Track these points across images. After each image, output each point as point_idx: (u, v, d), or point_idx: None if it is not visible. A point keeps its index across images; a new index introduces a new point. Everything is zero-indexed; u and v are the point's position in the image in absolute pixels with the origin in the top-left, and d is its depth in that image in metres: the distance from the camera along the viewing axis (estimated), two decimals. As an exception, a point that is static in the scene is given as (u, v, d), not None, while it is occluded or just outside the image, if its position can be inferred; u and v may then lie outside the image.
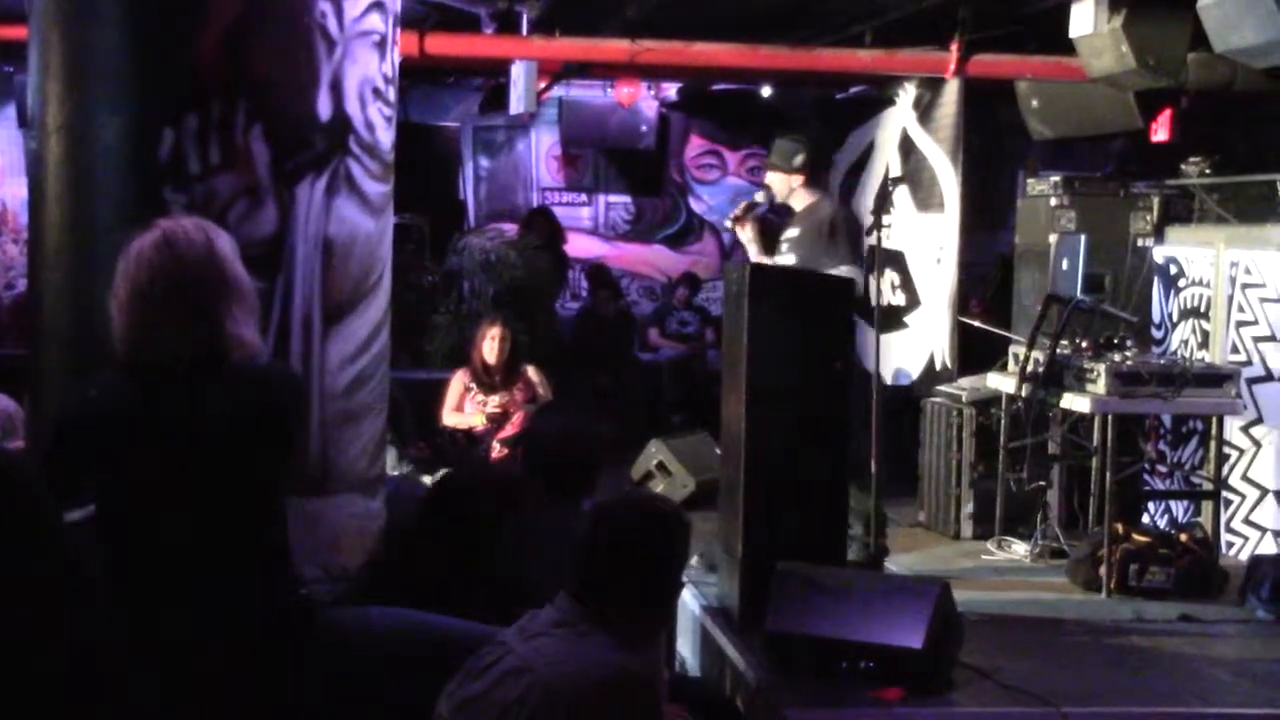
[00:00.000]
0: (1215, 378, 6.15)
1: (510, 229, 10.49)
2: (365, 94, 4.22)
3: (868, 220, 7.95)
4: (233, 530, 2.90)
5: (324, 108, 4.11)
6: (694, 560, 5.36)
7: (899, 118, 8.74)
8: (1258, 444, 6.73)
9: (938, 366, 8.11)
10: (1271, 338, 6.70)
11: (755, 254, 6.28)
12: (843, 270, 5.79)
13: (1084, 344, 6.36)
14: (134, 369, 2.87)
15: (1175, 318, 7.38)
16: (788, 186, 6.11)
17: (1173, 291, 7.41)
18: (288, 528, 3.04)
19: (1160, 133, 7.57)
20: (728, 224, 6.46)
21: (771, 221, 6.38)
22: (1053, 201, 7.37)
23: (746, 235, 6.28)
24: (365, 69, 4.22)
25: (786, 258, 6.10)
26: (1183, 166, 7.44)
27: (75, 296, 4.05)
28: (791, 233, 6.14)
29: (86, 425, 2.91)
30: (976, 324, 7.85)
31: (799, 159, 6.07)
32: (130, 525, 2.90)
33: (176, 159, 3.95)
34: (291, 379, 3.20)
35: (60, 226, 4.12)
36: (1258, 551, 6.46)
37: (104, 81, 4.05)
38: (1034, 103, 8.33)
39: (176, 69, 3.99)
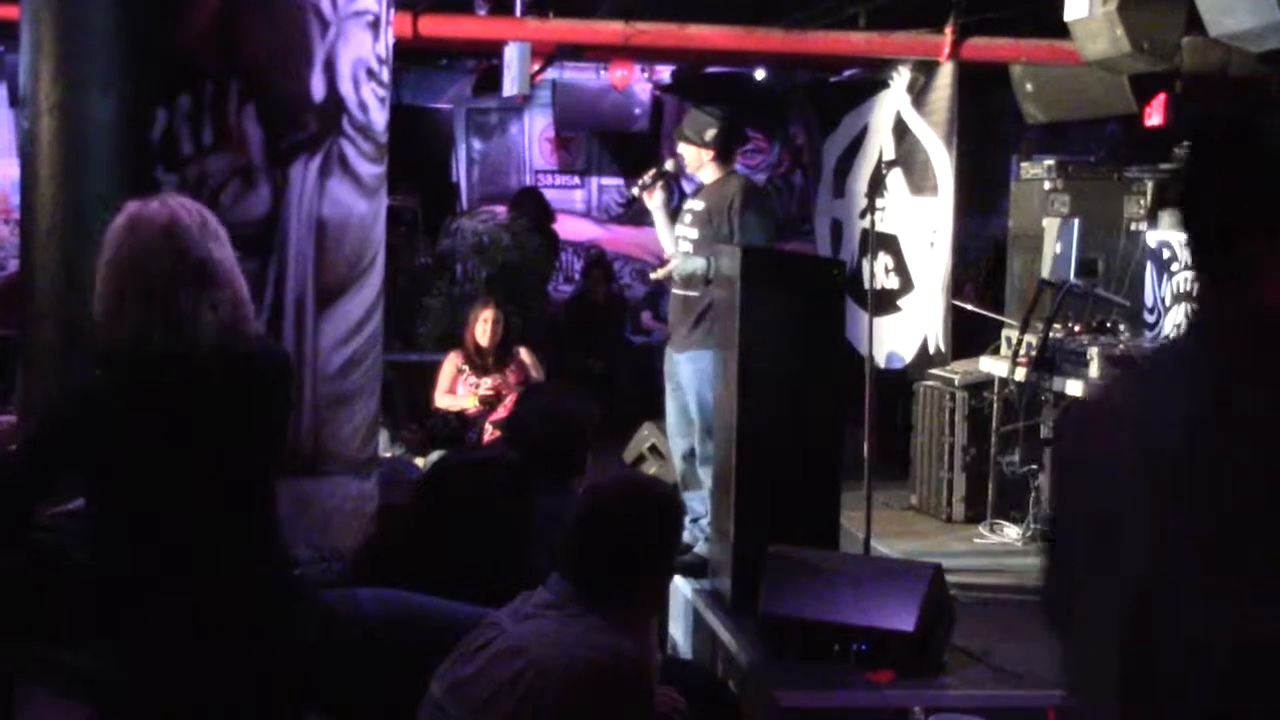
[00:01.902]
0: (1207, 362, 6.16)
1: (503, 211, 10.49)
2: (359, 75, 4.20)
3: (862, 203, 7.98)
4: (218, 511, 2.88)
5: (317, 88, 4.10)
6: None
7: (893, 101, 8.73)
8: (1249, 429, 6.74)
9: (931, 350, 8.12)
10: (1263, 323, 6.71)
11: (661, 221, 6.23)
12: None
13: (1077, 328, 6.38)
14: (110, 355, 2.86)
15: (1168, 302, 7.38)
16: (699, 160, 6.03)
17: (1166, 276, 7.41)
18: (278, 508, 3.03)
19: (1154, 117, 7.56)
20: (634, 192, 6.30)
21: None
22: (1046, 185, 7.37)
23: (654, 203, 6.21)
24: (359, 49, 4.20)
25: (689, 230, 6.06)
26: (1176, 151, 7.43)
27: (67, 276, 4.03)
28: (695, 205, 6.09)
29: (66, 423, 2.90)
30: (970, 308, 7.86)
31: (710, 134, 5.95)
32: (114, 512, 2.89)
33: (169, 139, 3.94)
34: (275, 355, 3.18)
35: (52, 206, 4.11)
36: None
37: (96, 61, 4.03)
38: (1028, 86, 8.33)
39: (169, 49, 3.98)
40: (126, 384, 2.83)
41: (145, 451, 2.82)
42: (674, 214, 6.22)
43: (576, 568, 2.95)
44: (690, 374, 5.92)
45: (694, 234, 5.99)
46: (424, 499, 3.83)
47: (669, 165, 6.17)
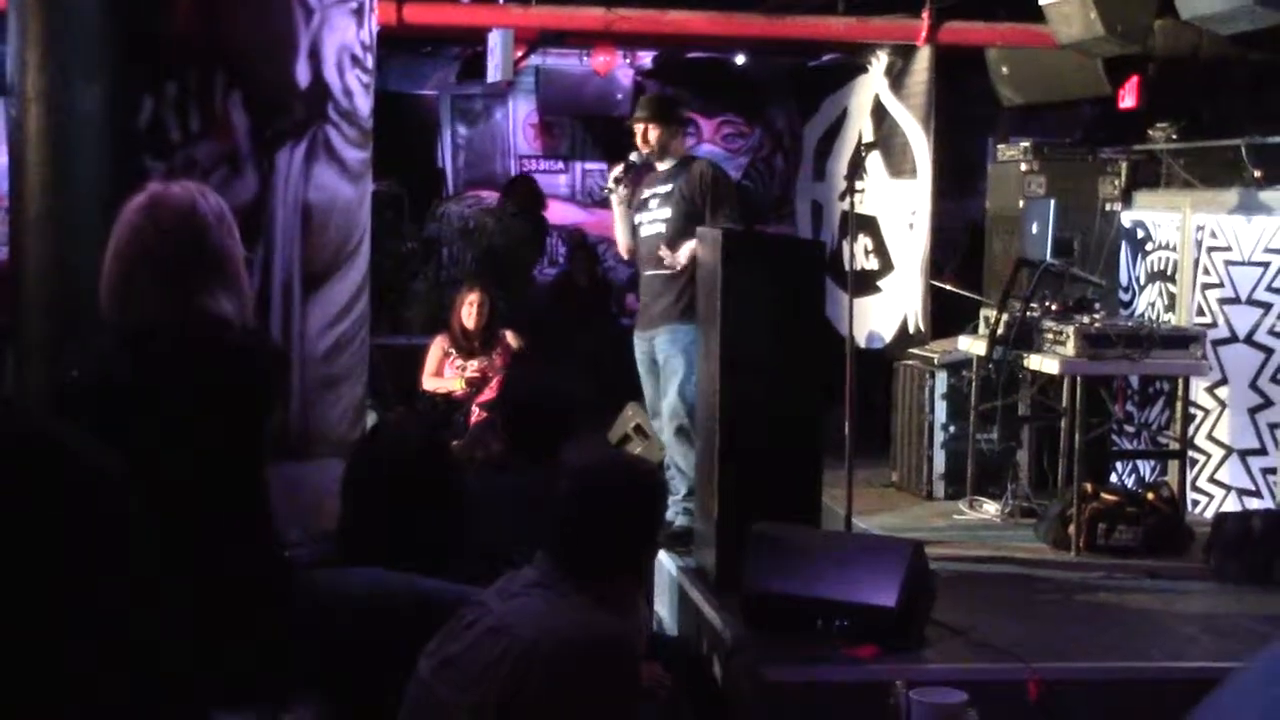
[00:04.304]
0: (1181, 339, 6.24)
1: (488, 196, 10.51)
2: (343, 61, 4.24)
3: (842, 185, 8.05)
4: (209, 497, 2.90)
5: (302, 75, 4.14)
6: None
7: (871, 85, 8.79)
8: (1222, 404, 6.83)
9: (910, 330, 8.18)
10: (1236, 300, 6.79)
11: (623, 215, 6.30)
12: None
13: (1053, 307, 6.43)
14: (117, 333, 2.88)
15: (1142, 281, 7.47)
16: (670, 138, 6.11)
17: (1140, 255, 7.49)
18: (268, 492, 3.06)
19: (1128, 99, 7.63)
20: (611, 185, 6.31)
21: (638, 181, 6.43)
22: (1023, 167, 7.43)
23: (621, 196, 6.28)
24: (343, 36, 4.24)
25: (658, 213, 6.11)
26: (1150, 132, 7.50)
27: (56, 263, 4.07)
28: (663, 188, 6.13)
29: (76, 401, 2.91)
30: (948, 288, 7.92)
31: (682, 110, 6.14)
32: None
33: (156, 126, 3.97)
34: (272, 351, 3.18)
35: (41, 194, 4.14)
36: (1222, 509, 6.57)
37: (82, 49, 4.06)
38: (1004, 69, 8.39)
39: (154, 36, 4.01)
40: (128, 366, 2.84)
41: (137, 436, 2.85)
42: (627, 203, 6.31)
43: (561, 546, 2.96)
44: (669, 345, 5.98)
45: (666, 213, 6.06)
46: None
47: (634, 157, 6.22)
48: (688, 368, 5.88)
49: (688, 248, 5.88)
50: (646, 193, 6.20)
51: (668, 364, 6.00)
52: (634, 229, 6.26)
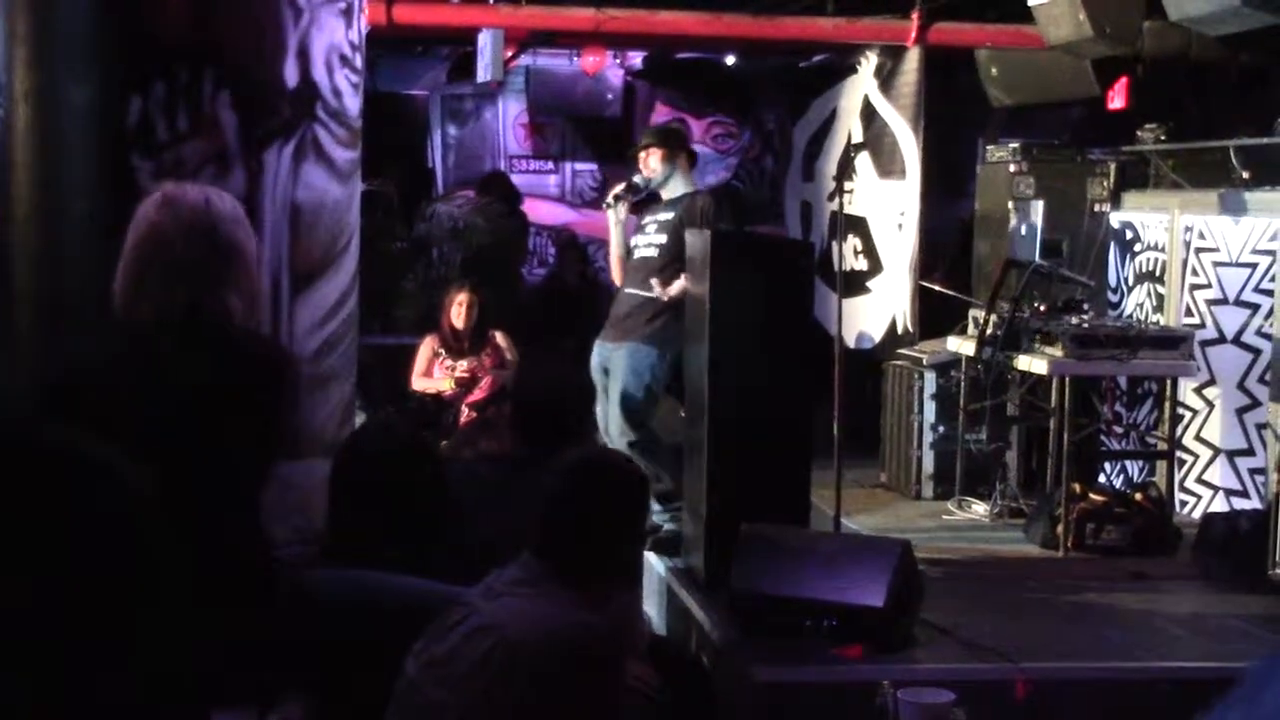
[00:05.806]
0: (1169, 340, 6.27)
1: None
2: (332, 61, 4.24)
3: (831, 186, 8.09)
4: (202, 493, 2.91)
5: (291, 75, 4.14)
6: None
7: (861, 85, 8.80)
8: (1210, 405, 6.85)
9: (899, 330, 8.20)
10: (1224, 301, 6.81)
11: (619, 237, 6.34)
12: None
13: (1042, 307, 6.46)
14: (125, 326, 2.90)
15: (1131, 281, 7.49)
16: (672, 165, 6.18)
17: (1129, 256, 7.52)
18: (259, 493, 3.06)
19: (1117, 100, 7.65)
20: (611, 200, 6.34)
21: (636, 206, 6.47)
22: (1012, 168, 7.46)
23: (619, 216, 6.31)
24: (332, 36, 4.24)
25: (654, 238, 6.15)
26: (1138, 133, 7.53)
27: (45, 262, 4.07)
28: (664, 215, 6.18)
29: (77, 382, 2.93)
30: (937, 288, 7.94)
31: (683, 138, 6.29)
32: None
33: (144, 126, 3.97)
34: (281, 353, 3.20)
35: (29, 193, 4.13)
36: (1210, 510, 6.59)
37: (71, 48, 4.06)
38: (993, 70, 8.40)
39: (143, 36, 4.01)
40: (135, 363, 2.86)
41: (136, 426, 2.85)
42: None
43: (545, 544, 2.97)
44: (625, 359, 5.98)
45: (661, 240, 6.09)
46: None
47: (638, 179, 6.27)
48: (635, 385, 5.92)
49: (679, 284, 5.89)
50: (648, 218, 6.28)
51: (615, 378, 6.01)
52: (630, 250, 6.31)
